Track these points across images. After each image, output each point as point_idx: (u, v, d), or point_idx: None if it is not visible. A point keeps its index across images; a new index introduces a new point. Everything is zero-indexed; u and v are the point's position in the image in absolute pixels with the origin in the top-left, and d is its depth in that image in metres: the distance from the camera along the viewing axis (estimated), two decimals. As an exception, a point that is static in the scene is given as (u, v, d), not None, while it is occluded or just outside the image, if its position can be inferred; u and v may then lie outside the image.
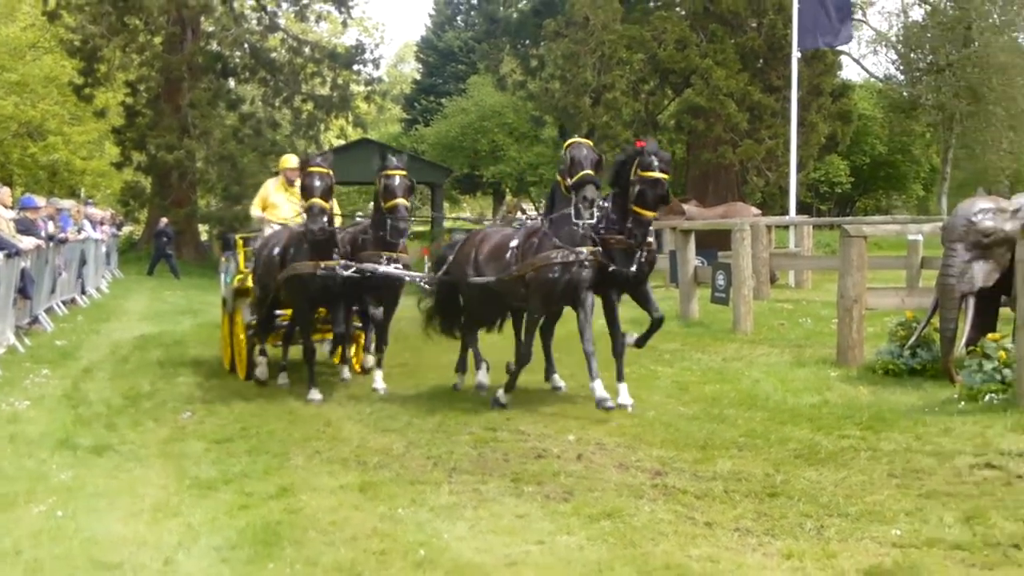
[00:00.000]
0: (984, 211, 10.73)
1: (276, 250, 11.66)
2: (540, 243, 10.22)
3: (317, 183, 10.78)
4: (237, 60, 36.64)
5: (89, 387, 11.97)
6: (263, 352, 12.24)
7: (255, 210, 13.28)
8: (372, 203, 11.91)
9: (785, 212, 27.93)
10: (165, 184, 35.01)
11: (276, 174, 14.04)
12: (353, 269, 10.97)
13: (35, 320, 16.49)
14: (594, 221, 9.94)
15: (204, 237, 38.63)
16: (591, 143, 10.58)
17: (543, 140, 45.82)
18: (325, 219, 10.79)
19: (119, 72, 35.05)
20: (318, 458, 8.63)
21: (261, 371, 12.16)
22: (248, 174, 33.54)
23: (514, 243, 10.56)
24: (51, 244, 17.54)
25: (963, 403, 9.86)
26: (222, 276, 13.94)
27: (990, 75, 42.65)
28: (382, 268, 11.07)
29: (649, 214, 10.23)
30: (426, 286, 12.02)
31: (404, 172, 11.07)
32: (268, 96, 36.87)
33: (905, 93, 47.46)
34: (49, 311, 17.74)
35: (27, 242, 15.00)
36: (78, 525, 6.71)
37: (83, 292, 21.78)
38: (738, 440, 8.96)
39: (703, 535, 6.47)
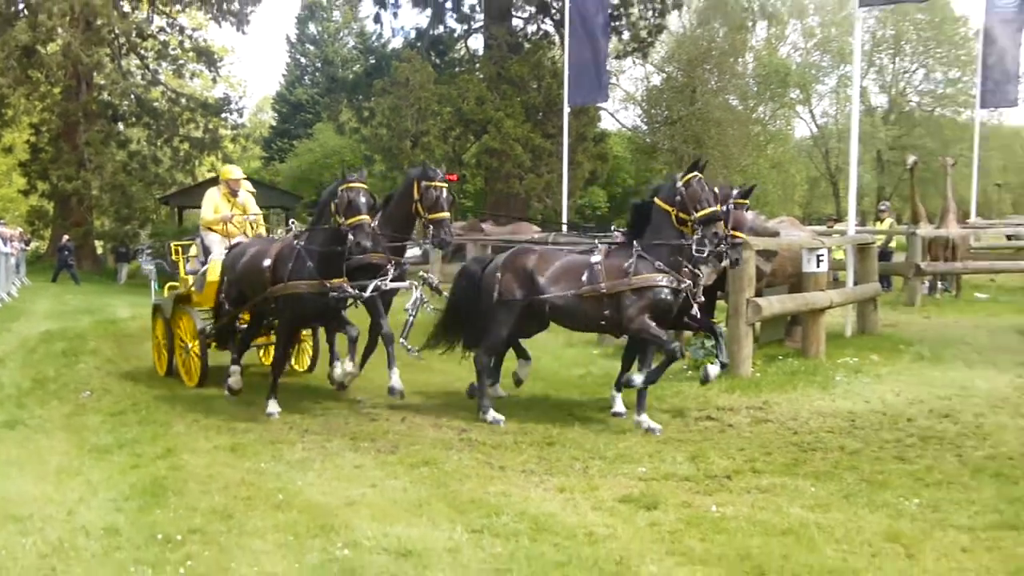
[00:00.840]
0: (706, 229, 11.16)
1: (265, 261, 9.12)
2: (637, 265, 8.12)
3: (363, 199, 8.29)
4: (125, 108, 35.45)
5: (2, 373, 11.34)
6: (236, 361, 9.78)
7: (209, 215, 10.78)
8: (383, 207, 9.29)
9: (559, 230, 28.34)
10: (66, 208, 33.75)
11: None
12: (372, 287, 8.70)
13: (-46, 319, 15.52)
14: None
15: (99, 251, 37.12)
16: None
17: (374, 174, 45.50)
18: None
19: (24, 116, 33.61)
20: (196, 425, 8.44)
21: (235, 380, 9.67)
22: (136, 200, 33.08)
23: (595, 259, 8.38)
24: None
25: (690, 372, 10.26)
26: (152, 284, 12.67)
27: (709, 127, 44.26)
28: (389, 283, 8.96)
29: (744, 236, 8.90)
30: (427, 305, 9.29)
31: (447, 185, 8.82)
32: (151, 137, 35.60)
33: (647, 140, 48.85)
34: (-34, 312, 16.74)
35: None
36: (-6, 486, 6.41)
37: (-4, 296, 20.62)
38: (524, 403, 9.15)
39: (498, 476, 6.60)
